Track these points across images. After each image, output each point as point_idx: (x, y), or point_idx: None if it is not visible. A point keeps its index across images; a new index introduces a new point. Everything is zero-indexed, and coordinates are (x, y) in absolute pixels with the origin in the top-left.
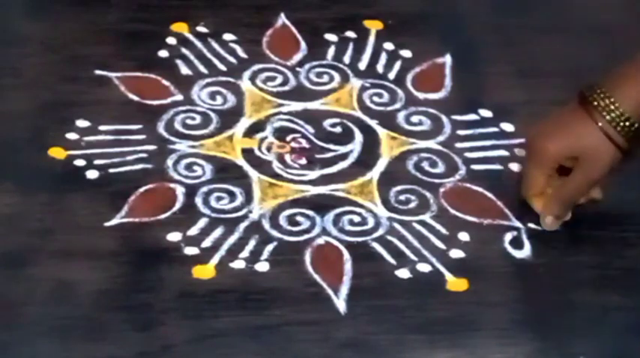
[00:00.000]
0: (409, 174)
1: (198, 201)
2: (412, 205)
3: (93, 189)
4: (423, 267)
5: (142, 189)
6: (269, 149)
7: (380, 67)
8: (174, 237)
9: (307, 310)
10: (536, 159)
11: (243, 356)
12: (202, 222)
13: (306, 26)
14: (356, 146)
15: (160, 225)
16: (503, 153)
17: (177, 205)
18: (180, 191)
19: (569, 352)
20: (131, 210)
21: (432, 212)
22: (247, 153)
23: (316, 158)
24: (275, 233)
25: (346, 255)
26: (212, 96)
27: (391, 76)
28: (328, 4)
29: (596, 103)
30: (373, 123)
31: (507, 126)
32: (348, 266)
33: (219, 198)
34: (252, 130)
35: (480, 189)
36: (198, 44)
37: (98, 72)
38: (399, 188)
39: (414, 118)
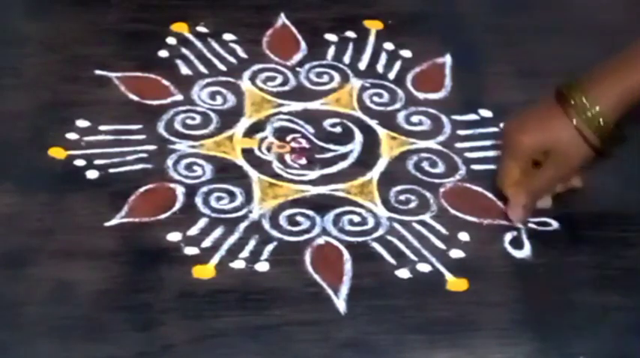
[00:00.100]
0: (409, 174)
1: (198, 201)
2: (412, 205)
3: (93, 189)
4: (423, 267)
5: (142, 189)
6: (269, 149)
7: (380, 67)
8: (174, 237)
9: (307, 310)
10: (511, 151)
11: (243, 356)
12: (202, 222)
13: (306, 26)
14: (356, 146)
15: (160, 225)
16: None
17: (177, 205)
18: (180, 191)
19: (569, 352)
20: (131, 210)
21: (432, 212)
22: (247, 153)
23: (316, 158)
24: (275, 233)
25: (346, 255)
26: (212, 96)
27: (391, 76)
28: (328, 4)
29: (572, 101)
30: (373, 123)
31: None
32: (348, 266)
33: (219, 198)
34: (252, 130)
35: (480, 189)
36: (198, 44)
37: (98, 72)
38: (399, 188)
39: (414, 118)
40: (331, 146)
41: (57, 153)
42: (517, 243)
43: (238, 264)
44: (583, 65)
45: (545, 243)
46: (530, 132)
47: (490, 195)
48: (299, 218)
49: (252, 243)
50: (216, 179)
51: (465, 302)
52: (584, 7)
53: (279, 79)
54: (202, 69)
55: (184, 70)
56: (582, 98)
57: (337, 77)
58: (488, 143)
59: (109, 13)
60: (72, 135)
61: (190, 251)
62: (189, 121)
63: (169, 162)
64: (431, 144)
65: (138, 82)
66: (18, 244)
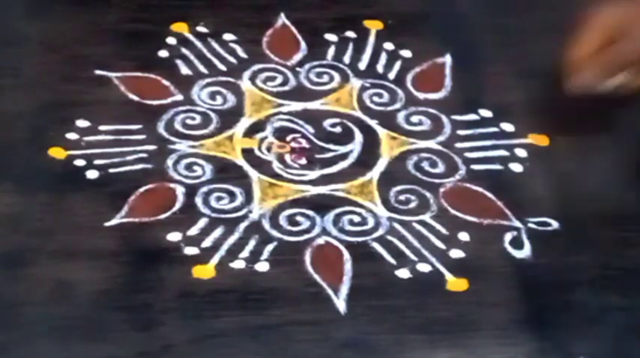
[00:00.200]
0: (409, 174)
1: (198, 201)
2: (412, 205)
3: (93, 189)
4: (423, 267)
5: (142, 189)
6: (269, 149)
7: (380, 67)
8: (174, 237)
9: (307, 310)
10: (593, 23)
11: (243, 356)
12: (202, 222)
13: (306, 26)
14: (356, 146)
15: (160, 225)
16: (503, 153)
17: (177, 205)
18: (180, 191)
19: (569, 352)
20: (131, 210)
21: (432, 212)
22: (247, 153)
23: (316, 158)
24: (275, 233)
25: (346, 255)
26: (212, 96)
27: (391, 76)
28: (328, 4)
29: None
30: (373, 123)
31: (507, 126)
32: (348, 266)
33: (219, 198)
34: (252, 130)
35: (480, 189)
36: (198, 44)
37: (98, 72)
38: (399, 188)
39: (414, 118)
40: (331, 146)
41: (57, 153)
42: (517, 243)
43: (238, 264)
44: None
45: (545, 243)
46: (614, 6)
47: (490, 195)
48: (299, 218)
49: (252, 243)
50: (216, 179)
51: (465, 302)
52: (584, 7)
53: (279, 79)
54: (202, 69)
55: (184, 70)
56: None
57: (337, 77)
58: (488, 143)
59: (109, 13)
60: (72, 135)
61: (190, 251)
62: (189, 121)
63: (169, 162)
64: (431, 144)
65: (138, 82)
66: (18, 244)
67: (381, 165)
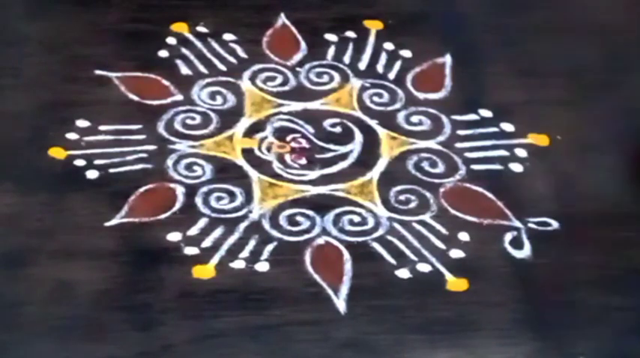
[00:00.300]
0: (409, 174)
1: (198, 201)
2: (412, 205)
3: (93, 189)
4: (423, 267)
5: (142, 189)
6: (269, 149)
7: (380, 67)
8: (174, 237)
9: (307, 310)
10: None
11: (243, 356)
12: (202, 222)
13: (306, 26)
14: (356, 146)
15: (160, 225)
16: (503, 153)
17: (177, 205)
18: (180, 191)
19: (569, 352)
20: (131, 210)
21: (432, 212)
22: (247, 153)
23: (316, 158)
24: (275, 233)
25: (346, 255)
26: (212, 96)
27: (391, 76)
28: (328, 4)
29: None
30: (373, 123)
31: (507, 126)
32: (348, 266)
33: (219, 198)
34: (252, 130)
35: (480, 189)
36: (198, 44)
37: (98, 72)
38: (399, 188)
39: (414, 118)
40: (331, 146)
41: (57, 153)
42: (517, 243)
43: (238, 264)
44: (583, 65)
45: (545, 243)
46: None
47: (490, 195)
48: (299, 218)
49: (252, 243)
50: (216, 179)
51: (465, 302)
52: (584, 7)
53: (279, 79)
54: (202, 69)
55: (184, 70)
56: None
57: (337, 77)
58: (488, 143)
59: (109, 13)
60: (72, 135)
61: (190, 251)
62: (189, 121)
63: (169, 162)
64: (431, 144)
65: (138, 81)
66: (18, 244)
67: (381, 165)
